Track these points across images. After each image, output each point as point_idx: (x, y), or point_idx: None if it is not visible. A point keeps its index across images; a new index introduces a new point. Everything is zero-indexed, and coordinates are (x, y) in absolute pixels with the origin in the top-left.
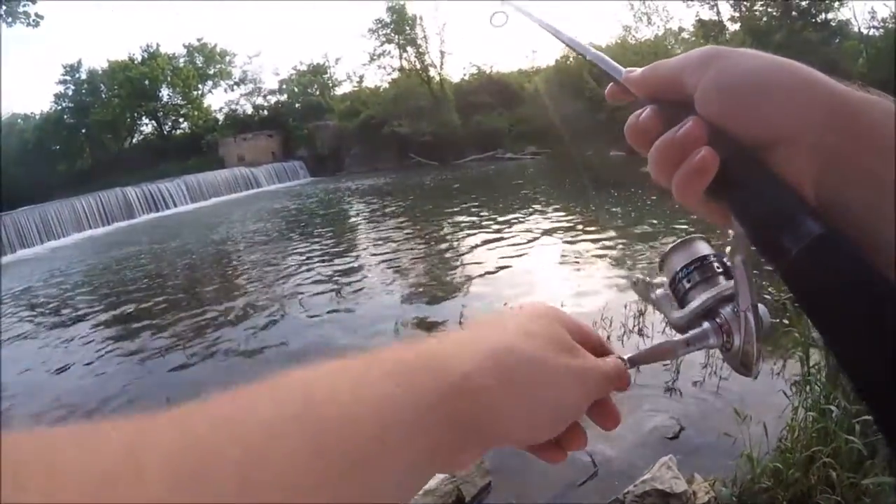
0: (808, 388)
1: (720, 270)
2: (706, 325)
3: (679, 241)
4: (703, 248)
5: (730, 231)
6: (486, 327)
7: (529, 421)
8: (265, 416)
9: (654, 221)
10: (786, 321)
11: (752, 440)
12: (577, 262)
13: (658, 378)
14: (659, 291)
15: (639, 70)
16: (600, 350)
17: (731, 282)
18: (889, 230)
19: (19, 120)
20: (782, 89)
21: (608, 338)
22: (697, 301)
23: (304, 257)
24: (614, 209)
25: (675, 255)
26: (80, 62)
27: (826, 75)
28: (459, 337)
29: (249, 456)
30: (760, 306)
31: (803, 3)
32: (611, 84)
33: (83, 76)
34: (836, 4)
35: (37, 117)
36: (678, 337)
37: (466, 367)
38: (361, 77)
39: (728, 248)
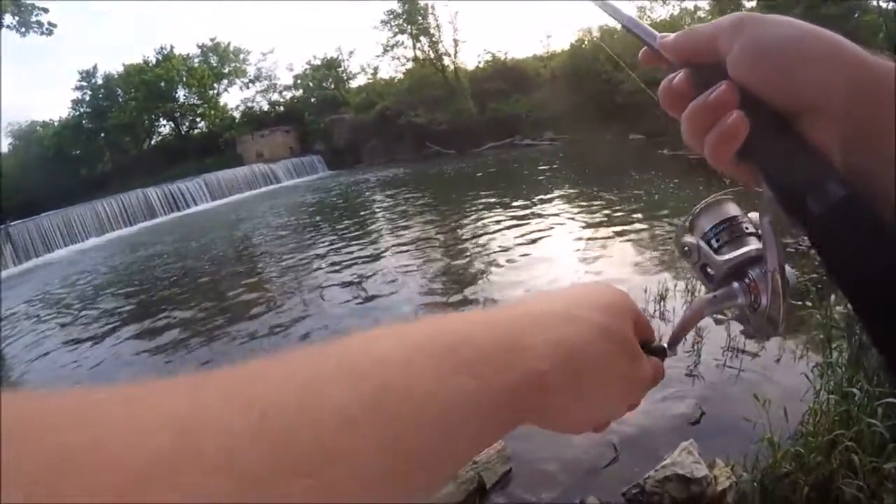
0: (830, 371)
1: (749, 231)
2: (735, 284)
3: (708, 201)
4: (732, 209)
5: (759, 192)
6: (561, 309)
7: (581, 417)
8: (340, 401)
9: (675, 205)
10: (808, 303)
11: (773, 425)
12: (600, 247)
13: (679, 363)
14: (698, 242)
15: (672, 35)
16: (648, 335)
17: (760, 243)
18: None
19: (38, 128)
20: (813, 57)
21: None
22: (728, 256)
23: (326, 250)
24: (636, 191)
25: (704, 216)
26: (95, 67)
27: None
28: (536, 320)
29: (323, 446)
30: (787, 267)
31: None
32: (644, 49)
33: (99, 81)
34: None
35: (56, 124)
36: (706, 295)
37: (545, 366)
38: (376, 69)
39: (757, 210)
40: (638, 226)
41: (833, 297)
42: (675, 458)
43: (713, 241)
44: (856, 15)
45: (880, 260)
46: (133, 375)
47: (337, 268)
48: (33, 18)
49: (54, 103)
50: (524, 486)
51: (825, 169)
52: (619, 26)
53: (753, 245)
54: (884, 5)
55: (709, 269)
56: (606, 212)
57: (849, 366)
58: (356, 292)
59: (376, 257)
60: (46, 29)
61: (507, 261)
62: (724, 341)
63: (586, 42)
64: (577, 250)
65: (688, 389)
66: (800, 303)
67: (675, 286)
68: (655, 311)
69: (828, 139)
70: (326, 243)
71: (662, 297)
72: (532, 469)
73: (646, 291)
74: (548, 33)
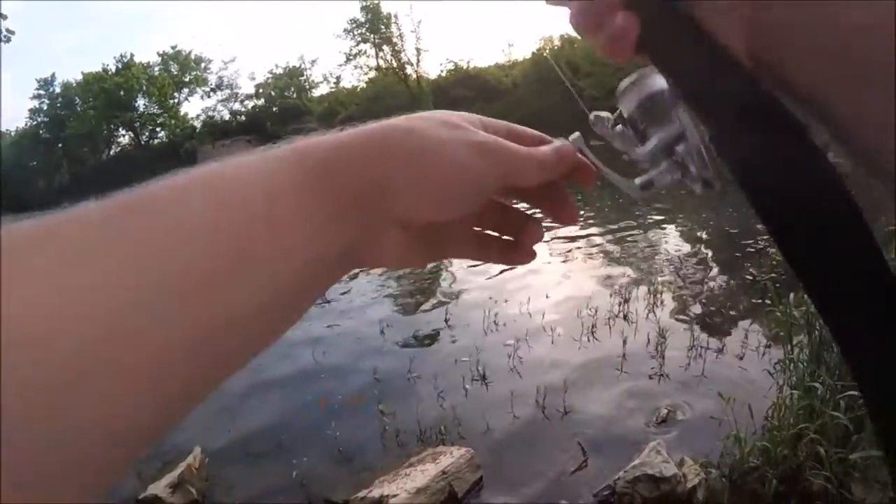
0: (791, 366)
1: (674, 105)
2: (664, 163)
3: (634, 77)
4: (658, 82)
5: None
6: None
7: (427, 193)
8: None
9: (637, 212)
10: (767, 301)
11: (739, 421)
12: (563, 253)
13: (644, 364)
14: (619, 128)
15: None
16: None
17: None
18: (822, 92)
19: None
20: None
21: (594, 326)
22: (655, 139)
23: None
24: (598, 196)
25: (630, 93)
26: (53, 76)
27: None
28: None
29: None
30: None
31: None
32: None
33: (57, 90)
34: None
35: (13, 134)
36: (638, 179)
37: (344, 139)
38: (338, 78)
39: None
40: (601, 232)
41: (792, 294)
42: (645, 458)
43: (641, 120)
44: None
45: (791, 165)
46: None
47: None
48: None
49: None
50: (496, 494)
51: (727, 63)
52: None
53: (676, 123)
54: None
55: (637, 150)
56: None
57: (810, 361)
58: (319, 302)
59: None
60: (4, 36)
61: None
62: (688, 341)
63: (547, 51)
64: (539, 256)
65: (653, 390)
66: (759, 301)
67: (638, 289)
68: (620, 312)
69: (729, 29)
70: None
71: (626, 300)
72: (503, 476)
73: (611, 297)
74: (510, 42)
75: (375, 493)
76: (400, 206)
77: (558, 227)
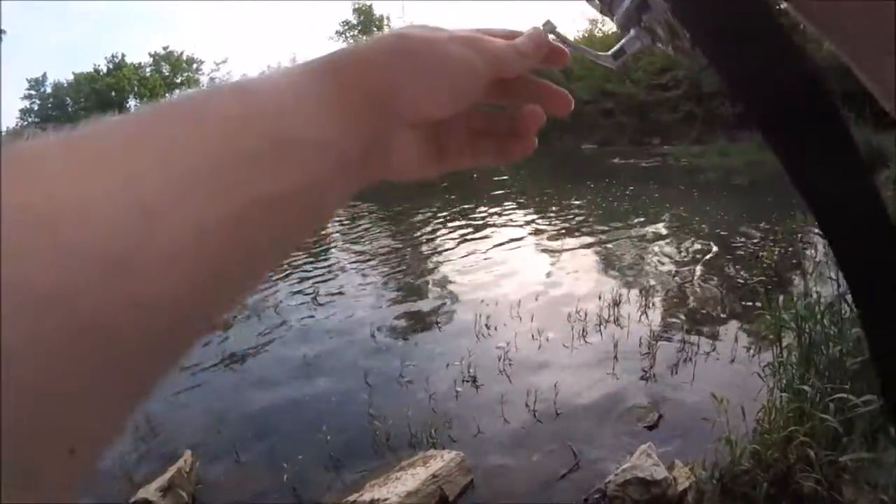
0: (782, 369)
1: None
2: (633, 30)
3: None
4: None
5: None
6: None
7: (429, 88)
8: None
9: (630, 209)
10: (758, 304)
11: (731, 424)
12: (554, 254)
13: (635, 366)
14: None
15: None
16: None
17: None
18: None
19: None
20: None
21: (584, 329)
22: (623, 5)
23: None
24: (593, 198)
25: None
26: (45, 76)
27: None
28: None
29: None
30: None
31: None
32: None
33: (48, 90)
34: None
35: (3, 134)
36: (611, 51)
37: (357, 49)
38: None
39: None
40: (593, 233)
41: (781, 297)
42: (635, 461)
43: None
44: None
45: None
46: None
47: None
48: None
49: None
50: (487, 497)
51: None
52: (570, 37)
53: None
54: None
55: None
56: (561, 220)
57: (799, 364)
58: (312, 306)
59: (330, 266)
60: None
61: (456, 269)
62: (679, 344)
63: None
64: (531, 257)
65: (645, 392)
66: (749, 303)
67: (629, 292)
68: (610, 315)
69: None
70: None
71: (617, 304)
72: (494, 480)
73: (600, 299)
74: None
75: (366, 496)
76: (407, 102)
77: (549, 228)
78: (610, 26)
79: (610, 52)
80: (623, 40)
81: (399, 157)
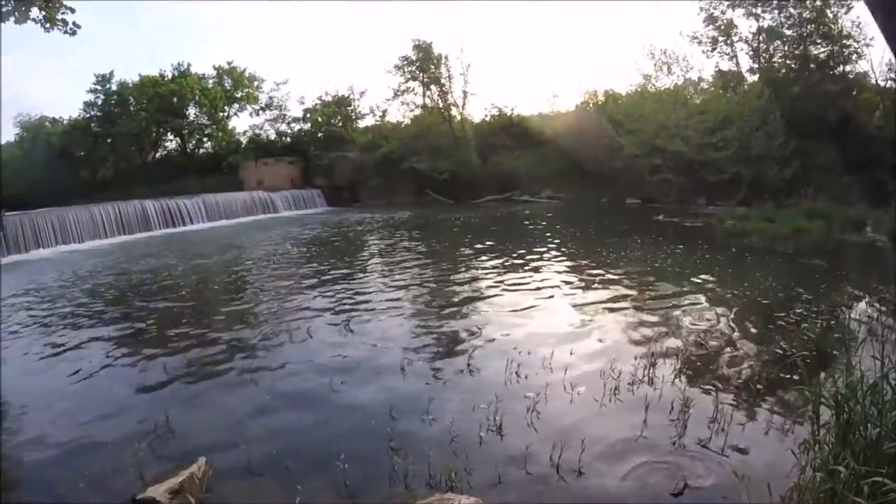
0: (816, 447)
1: None
2: None
3: None
4: None
5: None
6: None
7: None
8: None
9: (674, 268)
10: (796, 377)
11: (756, 500)
12: (591, 310)
13: (665, 431)
14: None
15: None
16: None
17: None
18: None
19: (47, 123)
20: None
21: (616, 388)
22: None
23: (314, 285)
24: (635, 253)
25: None
26: (112, 73)
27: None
28: None
29: None
30: None
31: (821, 56)
32: None
33: (114, 87)
34: (854, 57)
35: (65, 122)
36: None
37: None
38: (384, 112)
39: None
40: (632, 290)
41: (822, 373)
42: None
43: None
44: (854, 93)
45: None
46: (105, 388)
47: (325, 305)
48: (59, 16)
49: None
50: None
51: None
52: (623, 91)
53: None
54: (882, 83)
55: None
56: (600, 274)
57: (836, 443)
58: (343, 331)
59: (366, 300)
60: (70, 28)
61: (491, 317)
62: (711, 412)
63: (591, 104)
64: (568, 311)
65: (672, 459)
66: (788, 376)
67: (666, 353)
68: (644, 376)
69: None
70: (317, 280)
71: (653, 365)
72: None
73: (636, 359)
74: (554, 93)
75: None
76: None
77: (588, 281)
78: (664, 82)
79: None
80: None
81: None
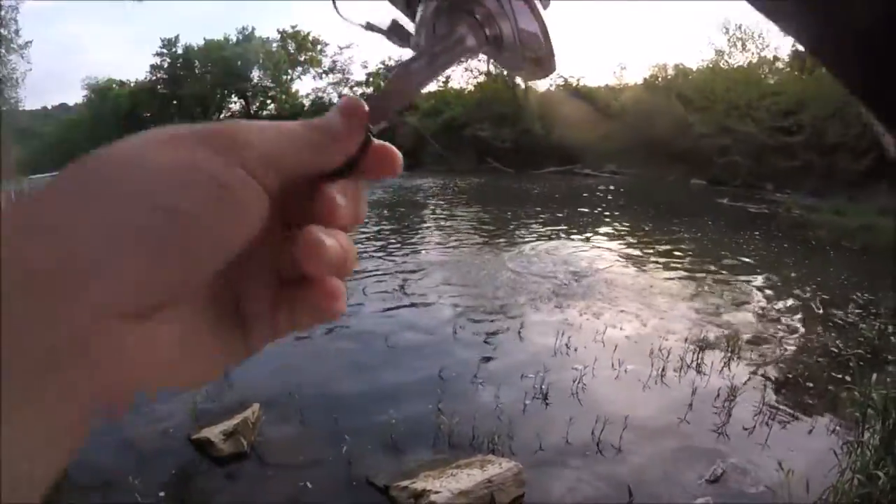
0: (859, 450)
1: None
2: (452, 25)
3: None
4: None
5: None
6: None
7: (128, 252)
8: None
9: (727, 255)
10: (848, 378)
11: (793, 496)
12: (644, 290)
13: (708, 418)
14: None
15: None
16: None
17: None
18: None
19: (114, 86)
20: None
21: (663, 369)
22: None
23: (375, 248)
24: (695, 237)
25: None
26: (177, 37)
27: None
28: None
29: None
30: None
31: None
32: None
33: (179, 51)
34: None
35: (132, 84)
36: (410, 59)
37: (40, 194)
38: (448, 78)
39: None
40: (685, 273)
41: (875, 375)
42: None
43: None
44: None
45: None
46: None
47: (382, 266)
48: None
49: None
50: None
51: None
52: (694, 66)
53: None
54: None
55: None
56: (656, 254)
57: (879, 448)
58: (399, 294)
59: (424, 263)
60: None
61: (552, 291)
62: (758, 404)
63: (660, 79)
64: (621, 289)
65: (713, 446)
66: (839, 376)
67: (716, 338)
68: (693, 361)
69: None
70: (376, 242)
71: (702, 349)
72: (545, 498)
73: (686, 341)
74: (622, 65)
75: (419, 485)
76: (98, 294)
77: (644, 260)
78: (738, 59)
79: (416, 57)
80: (434, 41)
81: (139, 368)
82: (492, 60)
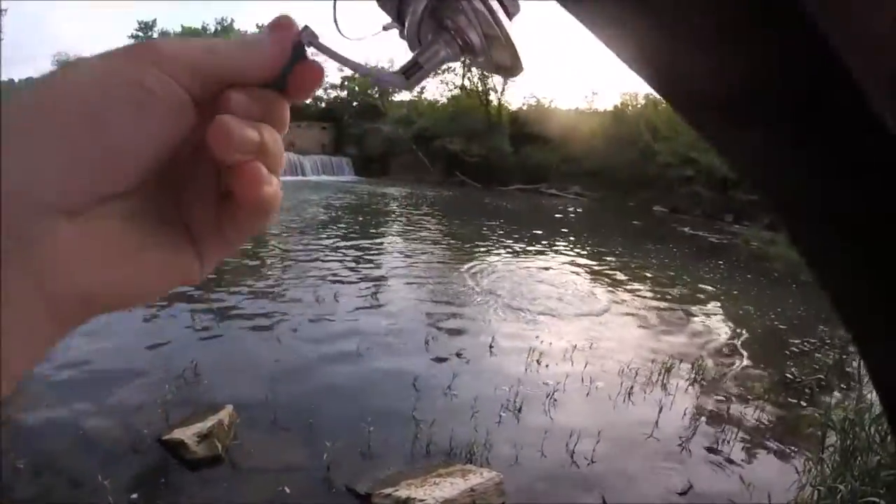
0: (819, 465)
1: None
2: (431, 37)
3: None
4: None
5: None
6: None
7: (59, 154)
8: None
9: (696, 281)
10: (803, 402)
11: None
12: (611, 313)
13: (674, 435)
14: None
15: None
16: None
17: None
18: None
19: None
20: None
21: (631, 388)
22: (416, 5)
23: (337, 253)
24: (654, 263)
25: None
26: (154, 21)
27: None
28: None
29: None
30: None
31: None
32: None
33: (155, 35)
34: None
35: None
36: (398, 68)
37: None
38: (422, 88)
39: None
40: (648, 296)
41: (833, 399)
42: None
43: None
44: None
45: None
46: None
47: (353, 273)
48: None
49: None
50: None
51: None
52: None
53: None
54: None
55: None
56: (620, 277)
57: (840, 463)
58: (370, 300)
59: (383, 275)
60: None
61: (512, 306)
62: (721, 424)
63: (630, 107)
64: (585, 310)
65: (679, 460)
66: (795, 401)
67: (680, 363)
68: (658, 380)
69: None
70: (338, 247)
71: (668, 370)
72: None
73: (652, 362)
74: (594, 90)
75: (402, 493)
76: (35, 190)
77: (614, 282)
78: None
79: (400, 69)
80: (417, 51)
81: (82, 265)
82: (470, 63)
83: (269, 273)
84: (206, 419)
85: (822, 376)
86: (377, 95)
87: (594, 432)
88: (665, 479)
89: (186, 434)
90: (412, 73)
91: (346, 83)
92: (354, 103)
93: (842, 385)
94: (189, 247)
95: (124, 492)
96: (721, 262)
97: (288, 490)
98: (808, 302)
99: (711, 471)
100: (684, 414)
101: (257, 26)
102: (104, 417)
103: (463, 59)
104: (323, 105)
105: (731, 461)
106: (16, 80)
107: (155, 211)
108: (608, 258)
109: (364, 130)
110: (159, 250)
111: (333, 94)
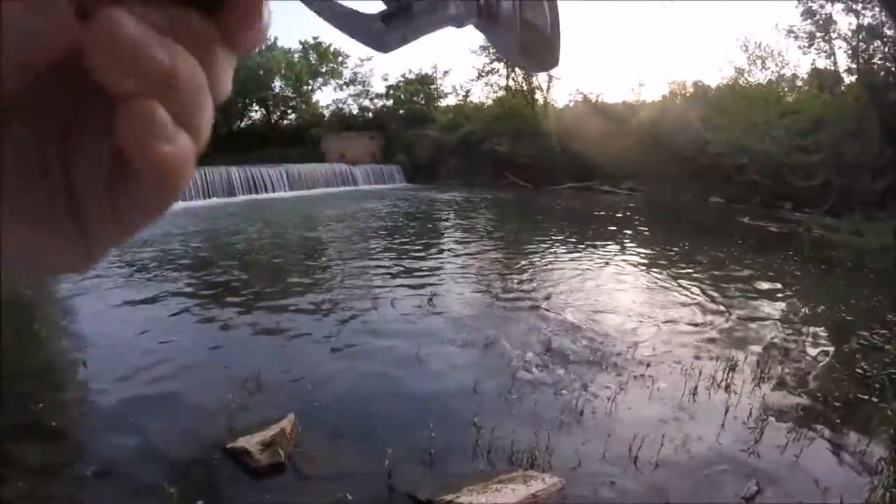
0: (892, 466)
1: None
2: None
3: None
4: None
5: None
6: None
7: None
8: None
9: (747, 273)
10: (874, 398)
11: None
12: (676, 312)
13: (741, 436)
14: None
15: None
16: None
17: None
18: None
19: None
20: None
21: (696, 387)
22: None
23: (392, 261)
24: (715, 257)
25: None
26: None
27: None
28: None
29: None
30: None
31: None
32: None
33: None
34: None
35: None
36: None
37: None
38: (467, 92)
39: None
40: (708, 290)
41: None
42: None
43: None
44: None
45: None
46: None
47: (397, 281)
48: None
49: None
50: None
51: None
52: (713, 84)
53: None
54: None
55: None
56: (678, 271)
57: None
58: (427, 306)
59: (449, 277)
60: None
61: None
62: (789, 422)
63: (678, 96)
64: (645, 305)
65: (745, 463)
66: (866, 397)
67: (745, 358)
68: (723, 380)
69: None
70: (393, 254)
71: (732, 368)
72: None
73: (716, 360)
74: (640, 81)
75: (463, 499)
76: None
77: (678, 279)
78: (757, 77)
79: (379, 13)
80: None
81: None
82: (483, 39)
83: (327, 280)
84: (269, 427)
85: (893, 370)
86: (423, 102)
87: (658, 435)
88: (732, 483)
89: (250, 442)
90: (398, 24)
91: (390, 91)
92: (401, 111)
93: None
94: (68, 221)
95: (190, 500)
96: (788, 252)
97: (350, 497)
98: (877, 291)
99: (781, 474)
100: (750, 414)
101: (300, 42)
102: (170, 426)
103: (473, 26)
104: (370, 115)
105: (798, 461)
106: None
107: (20, 164)
108: (670, 255)
109: (412, 137)
110: (20, 222)
111: (380, 103)
